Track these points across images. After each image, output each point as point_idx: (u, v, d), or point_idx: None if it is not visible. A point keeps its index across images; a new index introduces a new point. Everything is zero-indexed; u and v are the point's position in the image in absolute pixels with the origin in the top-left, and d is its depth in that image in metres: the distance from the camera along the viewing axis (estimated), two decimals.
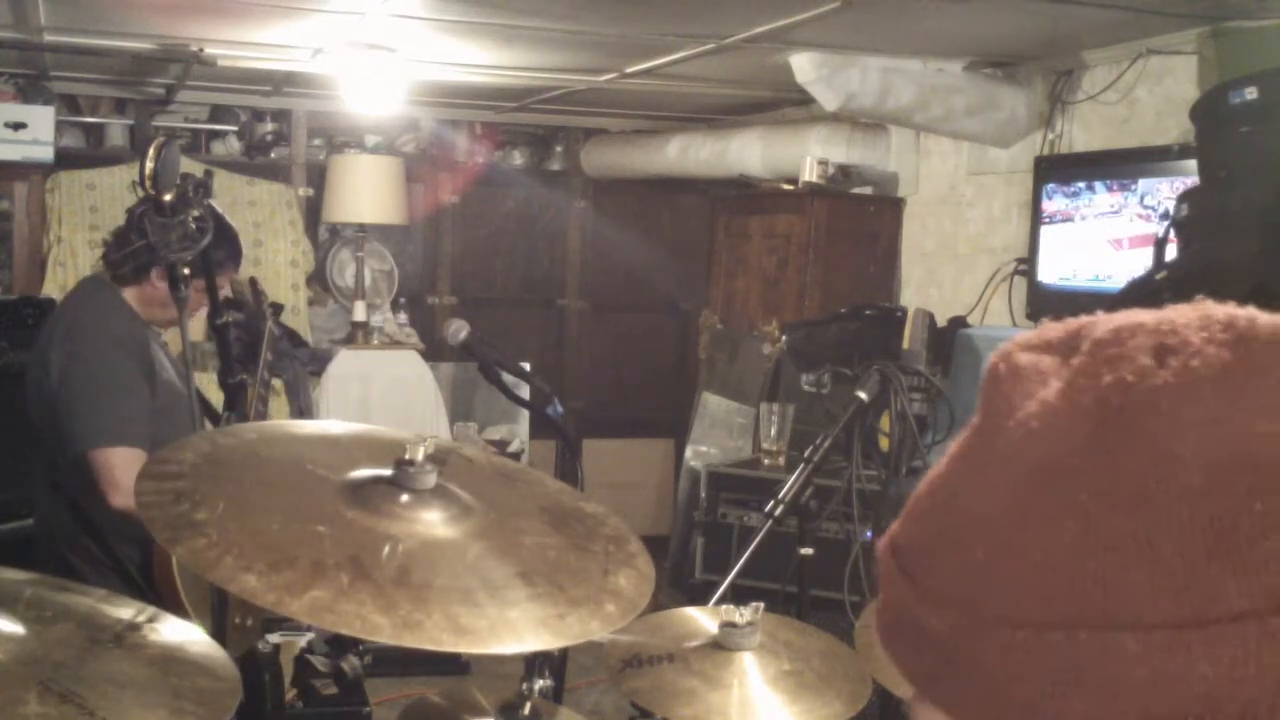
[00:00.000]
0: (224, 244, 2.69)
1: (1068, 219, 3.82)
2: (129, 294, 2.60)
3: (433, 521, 1.26)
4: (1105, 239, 3.68)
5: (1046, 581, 0.52)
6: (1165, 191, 3.50)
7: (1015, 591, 0.53)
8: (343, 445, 1.50)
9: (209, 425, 2.72)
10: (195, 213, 2.26)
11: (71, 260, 5.38)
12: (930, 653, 0.57)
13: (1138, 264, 3.54)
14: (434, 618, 1.12)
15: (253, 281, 3.09)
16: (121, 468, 2.37)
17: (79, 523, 2.53)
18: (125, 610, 1.35)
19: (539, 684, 1.78)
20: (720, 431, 5.03)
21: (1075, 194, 3.82)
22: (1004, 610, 0.53)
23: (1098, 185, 3.73)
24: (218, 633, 2.15)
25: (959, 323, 4.07)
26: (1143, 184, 3.58)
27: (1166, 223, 3.11)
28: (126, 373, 2.50)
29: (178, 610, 2.37)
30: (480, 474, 1.49)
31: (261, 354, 2.98)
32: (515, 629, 1.16)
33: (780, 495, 2.26)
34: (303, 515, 1.23)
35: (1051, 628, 0.51)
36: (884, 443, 3.07)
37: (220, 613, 2.17)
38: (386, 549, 1.20)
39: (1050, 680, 0.51)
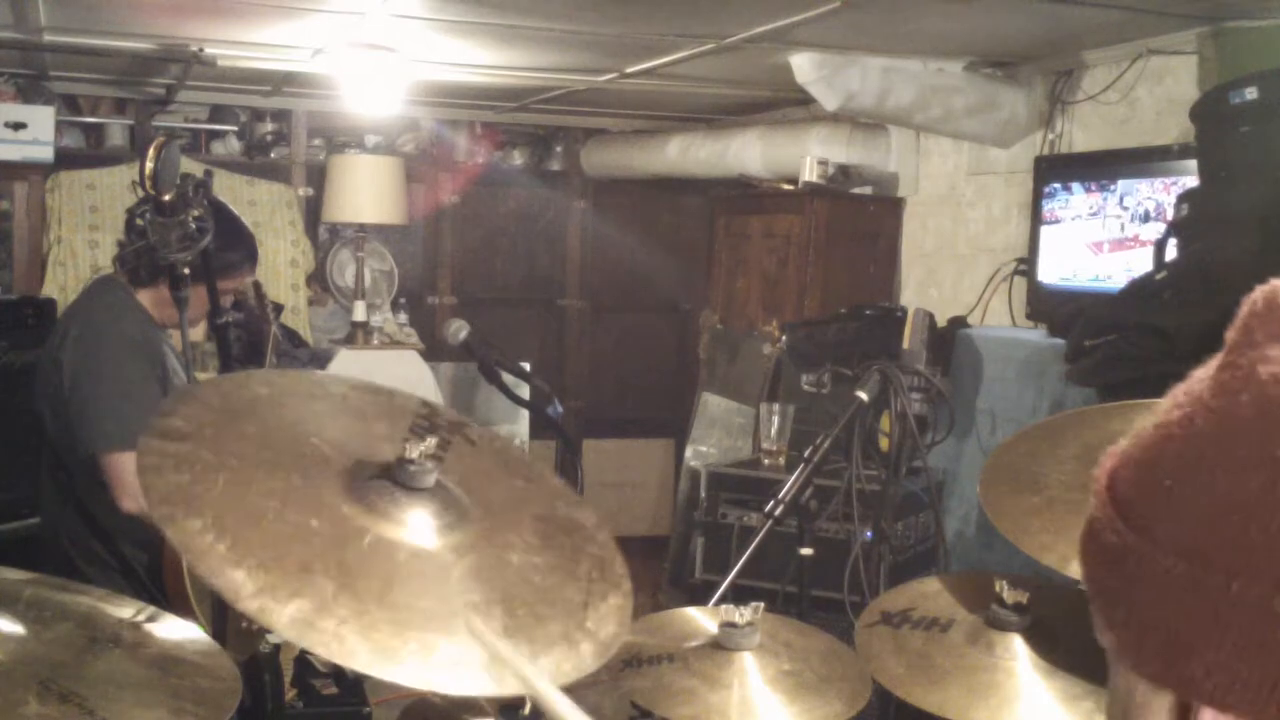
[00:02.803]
0: (240, 246, 2.69)
1: (1060, 220, 3.82)
2: (143, 295, 2.59)
3: (425, 528, 1.24)
4: (1087, 240, 3.69)
5: (1218, 525, 0.52)
6: (1145, 192, 3.50)
7: (1188, 525, 0.53)
8: (355, 409, 1.46)
9: None
10: (195, 213, 2.26)
11: (71, 260, 5.38)
12: (1105, 565, 0.58)
13: (1120, 265, 3.55)
14: (409, 646, 1.09)
15: (256, 285, 3.09)
16: (133, 472, 2.36)
17: (86, 524, 2.52)
18: (125, 610, 1.35)
19: None
20: (720, 431, 5.03)
21: (1052, 194, 3.82)
22: (1174, 540, 0.54)
23: (1074, 186, 3.73)
24: (219, 635, 2.15)
25: (959, 323, 4.06)
26: (1121, 185, 3.58)
27: (1164, 223, 3.12)
28: (139, 375, 2.49)
29: (188, 615, 2.37)
30: (481, 462, 1.47)
31: (266, 356, 2.98)
32: (487, 671, 1.13)
33: (780, 495, 2.26)
34: (300, 502, 1.20)
35: (1212, 570, 0.51)
36: (884, 443, 3.07)
37: (221, 613, 2.17)
38: (367, 540, 1.17)
39: (1196, 620, 0.52)
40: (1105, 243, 3.62)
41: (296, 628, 1.05)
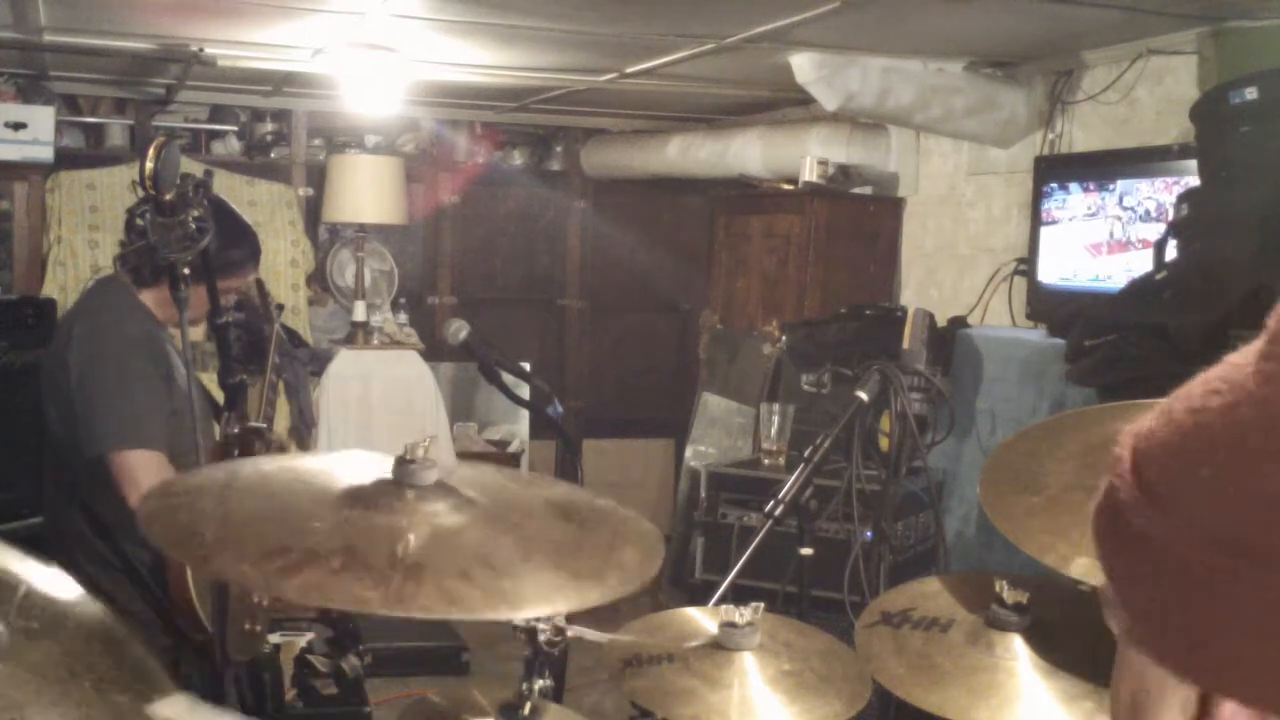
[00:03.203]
0: (243, 243, 2.70)
1: (1058, 221, 3.82)
2: (146, 296, 2.59)
3: (436, 513, 1.27)
4: (1086, 242, 3.68)
5: (1264, 518, 0.50)
6: (1146, 191, 3.50)
7: (1228, 516, 0.51)
8: (359, 473, 1.52)
9: (214, 423, 2.72)
10: (195, 213, 2.26)
11: (71, 260, 5.38)
12: (1129, 551, 0.56)
13: (1119, 265, 3.55)
14: (425, 589, 1.12)
15: (259, 284, 3.09)
16: (142, 470, 2.37)
17: (89, 523, 2.52)
18: (20, 589, 1.31)
19: (539, 684, 1.77)
20: (720, 431, 5.03)
21: (1050, 194, 3.81)
22: (1212, 530, 0.52)
23: (1072, 186, 3.73)
24: (221, 636, 2.15)
25: (959, 323, 4.06)
26: (1120, 185, 3.57)
27: (1164, 224, 3.12)
28: (144, 374, 2.49)
29: (191, 615, 2.37)
30: (490, 478, 1.49)
31: (269, 356, 2.98)
32: (510, 598, 1.16)
33: (780, 495, 2.26)
34: (301, 515, 1.24)
35: (1255, 564, 0.50)
36: (884, 443, 3.07)
37: (221, 617, 2.17)
38: (402, 542, 1.20)
39: (1229, 612, 0.50)
40: (1104, 244, 3.62)
41: (305, 592, 1.10)
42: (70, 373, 2.48)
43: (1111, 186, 3.59)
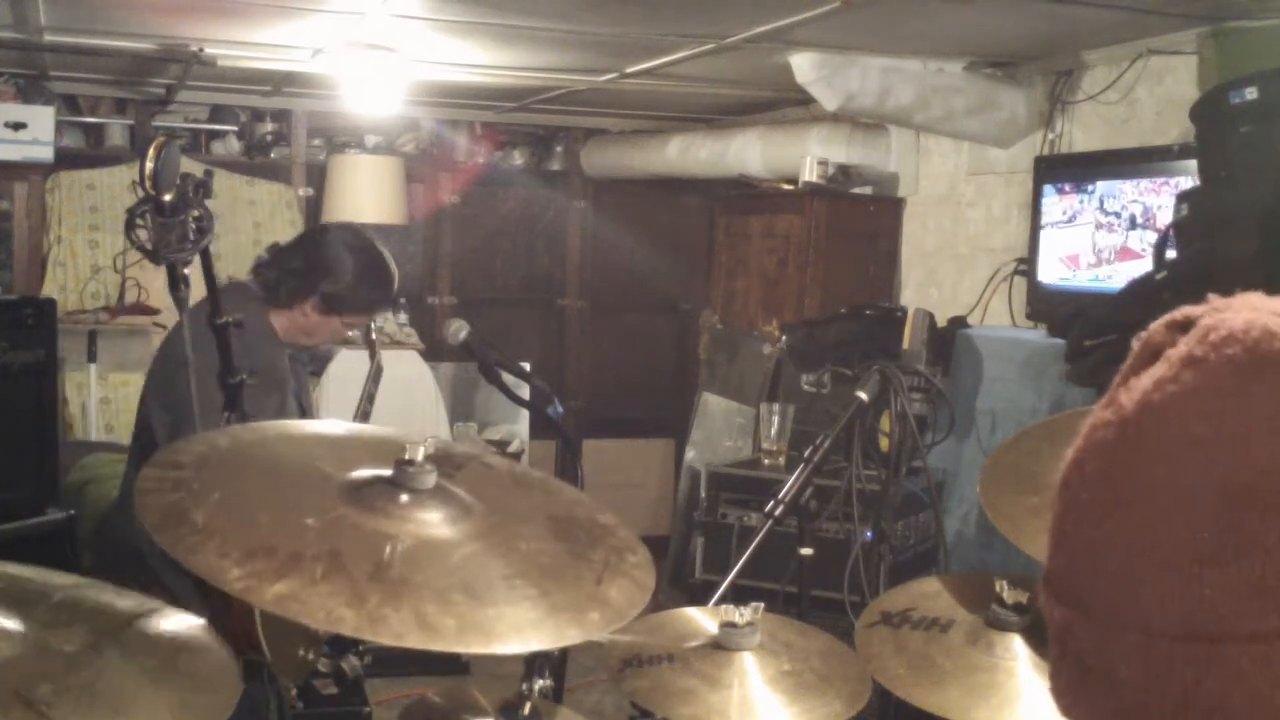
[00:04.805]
0: (380, 286, 2.75)
1: (1045, 225, 3.82)
2: (275, 316, 2.62)
3: (428, 522, 1.25)
4: (1063, 252, 3.68)
5: (1153, 581, 0.48)
6: (1130, 194, 3.49)
7: (1126, 592, 0.49)
8: (365, 448, 1.48)
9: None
10: (195, 213, 2.26)
11: (71, 260, 5.38)
12: (1066, 656, 0.53)
13: (1113, 272, 3.55)
14: (401, 613, 1.10)
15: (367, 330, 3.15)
16: None
17: None
18: (129, 604, 1.33)
19: (539, 684, 1.77)
20: (720, 431, 5.03)
21: (1047, 195, 3.80)
22: (1119, 610, 0.50)
23: (1046, 189, 3.72)
24: (278, 662, 2.14)
25: (959, 323, 4.06)
26: (1101, 186, 3.56)
27: (1155, 230, 3.12)
28: (263, 395, 2.52)
29: (250, 634, 2.35)
30: (495, 480, 1.48)
31: (364, 388, 3.09)
32: (484, 631, 1.14)
33: (780, 495, 2.26)
34: (295, 508, 1.23)
35: (1214, 637, 0.48)
36: (884, 443, 3.07)
37: (221, 623, 2.15)
38: (388, 549, 1.19)
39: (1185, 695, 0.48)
40: (1080, 256, 3.60)
41: (282, 603, 1.09)
42: (192, 373, 2.50)
43: (1091, 189, 3.57)
